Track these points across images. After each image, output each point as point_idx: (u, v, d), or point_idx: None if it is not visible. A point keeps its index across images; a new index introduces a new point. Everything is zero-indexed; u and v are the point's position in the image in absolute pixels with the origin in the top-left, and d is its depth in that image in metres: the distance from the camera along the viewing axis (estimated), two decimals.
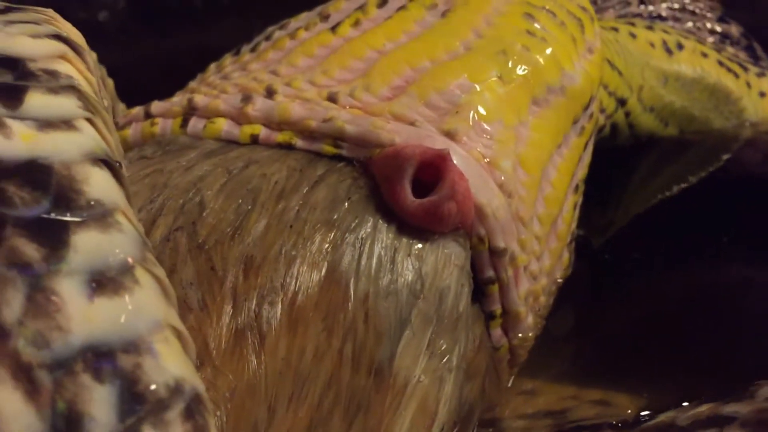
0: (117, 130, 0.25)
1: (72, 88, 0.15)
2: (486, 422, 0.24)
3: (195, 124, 0.24)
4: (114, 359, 0.12)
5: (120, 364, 0.12)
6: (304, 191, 0.21)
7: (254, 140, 0.23)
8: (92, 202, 0.14)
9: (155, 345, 0.13)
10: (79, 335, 0.12)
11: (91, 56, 0.19)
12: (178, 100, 0.25)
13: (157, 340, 0.13)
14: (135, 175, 0.22)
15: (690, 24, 0.40)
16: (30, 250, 0.13)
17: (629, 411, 0.25)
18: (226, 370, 0.19)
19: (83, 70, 0.16)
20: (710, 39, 0.40)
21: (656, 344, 0.30)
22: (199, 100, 0.24)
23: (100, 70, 0.23)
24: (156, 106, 0.25)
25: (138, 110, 0.25)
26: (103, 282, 0.13)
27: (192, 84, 0.28)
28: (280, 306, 0.20)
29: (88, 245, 0.13)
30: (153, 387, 0.13)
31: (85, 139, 0.15)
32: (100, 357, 0.12)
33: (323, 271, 0.20)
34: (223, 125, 0.24)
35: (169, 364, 0.13)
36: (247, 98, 0.24)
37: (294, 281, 0.20)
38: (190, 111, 0.24)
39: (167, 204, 0.21)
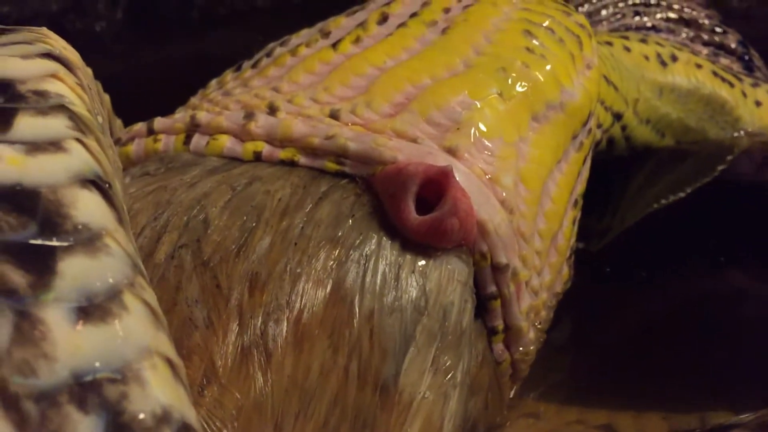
0: (120, 146, 0.25)
1: (62, 108, 0.15)
2: None
3: (198, 141, 0.24)
4: (100, 388, 0.12)
5: (106, 393, 0.12)
6: (308, 208, 0.21)
7: (257, 157, 0.23)
8: (79, 227, 0.14)
9: (143, 372, 0.13)
10: (65, 363, 0.12)
11: (86, 72, 0.18)
12: (181, 116, 0.25)
13: (144, 368, 0.13)
14: (138, 192, 0.23)
15: (684, 35, 0.41)
16: (16, 276, 0.13)
17: None
18: (233, 388, 0.19)
19: (75, 87, 0.16)
20: (704, 51, 0.41)
21: (655, 356, 0.30)
22: (202, 116, 0.24)
23: (96, 85, 0.22)
24: (159, 122, 0.25)
25: (141, 126, 0.25)
26: (90, 309, 0.13)
27: (193, 100, 0.28)
28: (285, 323, 0.20)
29: (74, 271, 0.13)
30: (140, 416, 0.12)
31: (73, 160, 0.14)
32: (85, 386, 0.12)
33: (328, 288, 0.20)
34: (225, 142, 0.24)
35: (157, 392, 0.13)
36: (249, 115, 0.24)
37: (299, 298, 0.20)
38: (193, 128, 0.24)
39: (171, 221, 0.21)
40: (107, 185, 0.15)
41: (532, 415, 0.27)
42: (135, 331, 0.13)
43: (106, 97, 0.26)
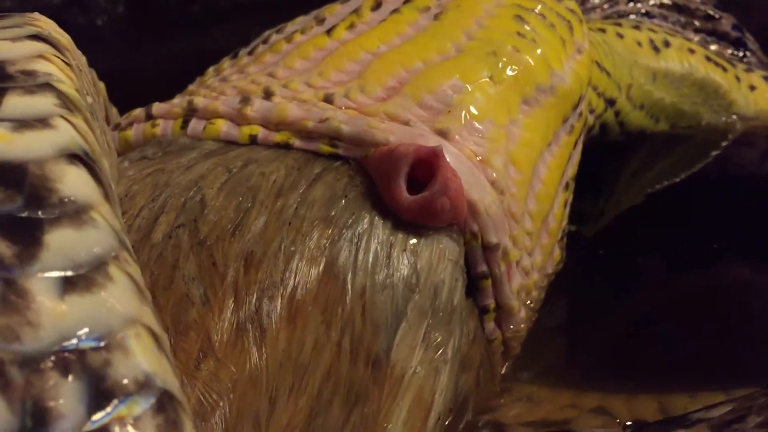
0: (119, 131, 0.26)
1: (49, 86, 0.16)
2: (492, 425, 0.25)
3: (195, 125, 0.25)
4: (83, 355, 0.12)
5: (89, 359, 0.12)
6: (302, 189, 0.22)
7: (253, 140, 0.24)
8: (65, 200, 0.14)
9: (126, 340, 0.13)
10: (49, 331, 0.12)
11: (76, 55, 0.19)
12: (179, 101, 0.25)
13: (128, 336, 0.13)
14: (137, 175, 0.23)
15: (675, 21, 0.41)
16: (2, 248, 0.13)
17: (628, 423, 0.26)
18: (229, 362, 0.19)
19: (64, 67, 0.17)
20: (695, 38, 0.41)
21: (649, 341, 0.30)
22: (199, 101, 0.25)
23: (90, 72, 0.23)
24: (157, 107, 0.26)
25: (139, 111, 0.26)
26: (75, 278, 0.13)
27: (191, 87, 0.28)
28: (279, 300, 0.20)
29: (60, 242, 0.13)
30: (124, 381, 0.12)
31: (60, 136, 0.15)
32: (69, 353, 0.12)
33: (321, 266, 0.21)
34: (222, 126, 0.24)
35: (140, 359, 0.13)
36: (245, 100, 0.24)
37: (293, 276, 0.20)
38: (190, 112, 0.25)
39: (169, 202, 0.22)
40: (94, 162, 0.15)
41: (526, 399, 0.27)
42: (119, 300, 0.13)
43: (101, 85, 0.26)
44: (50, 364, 0.12)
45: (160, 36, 0.55)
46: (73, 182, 0.14)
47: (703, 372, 0.28)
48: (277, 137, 0.24)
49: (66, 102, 0.16)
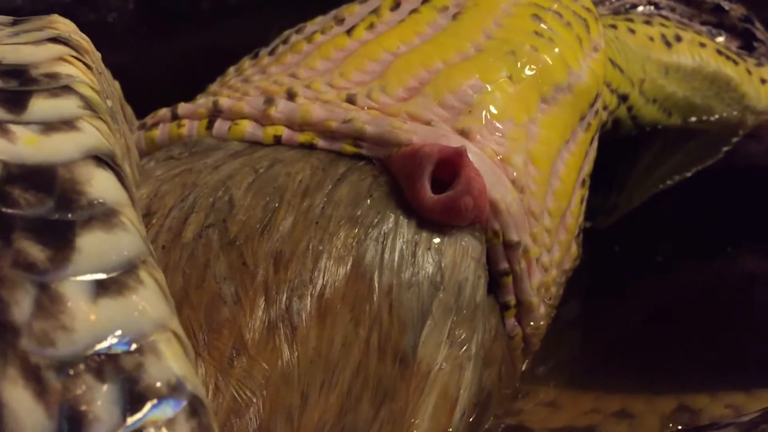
0: (145, 131, 0.26)
1: (72, 89, 0.16)
2: (517, 429, 0.25)
3: (220, 125, 0.25)
4: (117, 358, 0.13)
5: (122, 363, 0.13)
6: (328, 189, 0.22)
7: (277, 141, 0.24)
8: (95, 202, 0.14)
9: (158, 344, 0.13)
10: (83, 335, 0.12)
11: (95, 57, 0.19)
12: (203, 102, 0.26)
13: (160, 340, 0.13)
14: (165, 175, 0.24)
15: (682, 12, 0.41)
16: (35, 251, 0.13)
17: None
18: (261, 360, 0.20)
19: (84, 70, 0.17)
20: (702, 30, 0.41)
21: (667, 339, 0.30)
22: (224, 102, 0.25)
23: (106, 72, 0.23)
24: (182, 108, 0.26)
25: (165, 111, 0.26)
26: (107, 282, 0.13)
27: (213, 87, 0.29)
28: (309, 298, 0.21)
29: (92, 245, 0.13)
30: (157, 384, 0.13)
31: (86, 138, 0.15)
32: (103, 357, 0.12)
33: (349, 265, 0.21)
34: (247, 127, 0.25)
35: (171, 363, 0.13)
36: (269, 101, 0.25)
37: (321, 275, 0.21)
38: (216, 113, 0.25)
39: (198, 202, 0.22)
40: (118, 165, 0.15)
41: (549, 404, 0.27)
42: (150, 304, 0.13)
43: (117, 84, 0.26)
44: (85, 368, 0.12)
45: (171, 33, 0.55)
46: (102, 184, 0.14)
47: (722, 368, 0.28)
48: (301, 138, 0.24)
49: (88, 104, 0.16)
